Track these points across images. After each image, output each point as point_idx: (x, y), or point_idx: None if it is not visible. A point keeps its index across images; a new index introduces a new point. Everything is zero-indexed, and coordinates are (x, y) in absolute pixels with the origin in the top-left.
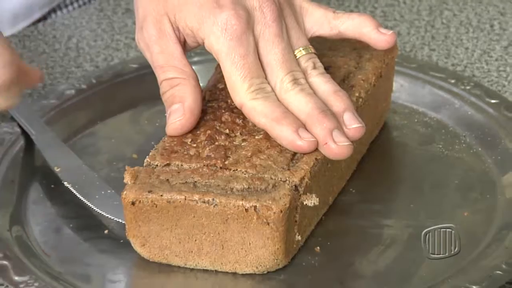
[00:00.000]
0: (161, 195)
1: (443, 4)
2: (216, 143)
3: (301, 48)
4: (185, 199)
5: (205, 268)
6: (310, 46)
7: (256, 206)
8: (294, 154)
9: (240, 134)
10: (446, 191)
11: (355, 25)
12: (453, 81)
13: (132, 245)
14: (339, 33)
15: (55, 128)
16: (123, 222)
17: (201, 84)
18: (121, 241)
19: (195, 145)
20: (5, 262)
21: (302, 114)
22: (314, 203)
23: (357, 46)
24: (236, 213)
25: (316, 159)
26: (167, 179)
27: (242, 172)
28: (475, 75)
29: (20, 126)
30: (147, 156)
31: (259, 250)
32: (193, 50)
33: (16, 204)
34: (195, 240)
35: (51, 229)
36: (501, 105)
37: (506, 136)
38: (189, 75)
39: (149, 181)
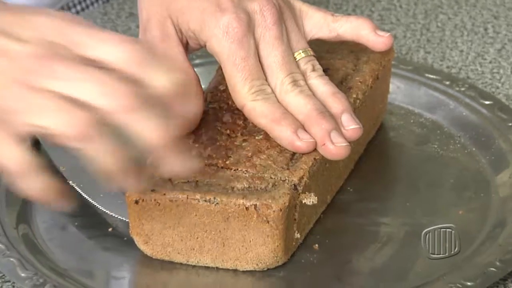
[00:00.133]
0: (164, 194)
1: (438, 8)
2: (217, 143)
3: (300, 51)
4: (187, 197)
5: (206, 265)
6: (309, 49)
7: (256, 204)
8: (294, 154)
9: (241, 134)
10: (441, 190)
11: (353, 28)
12: (448, 83)
13: (136, 242)
14: (338, 35)
15: None
16: (126, 220)
17: (202, 86)
18: (125, 238)
19: (197, 145)
20: (11, 259)
21: (301, 115)
22: (312, 201)
23: (354, 49)
24: (237, 212)
25: (314, 159)
26: (170, 178)
27: (243, 172)
28: (469, 77)
29: None
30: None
31: (259, 248)
32: (194, 52)
33: (22, 203)
34: (197, 238)
35: (56, 227)
36: (494, 106)
37: (499, 137)
38: (191, 77)
39: (152, 180)
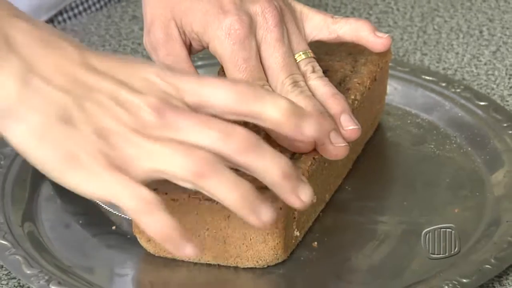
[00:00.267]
0: (166, 193)
1: (435, 11)
2: None
3: (301, 53)
4: (189, 197)
5: (208, 263)
6: (310, 51)
7: None
8: (293, 153)
9: None
10: (438, 189)
11: (353, 29)
12: (444, 84)
13: (139, 240)
14: (338, 37)
15: None
16: (130, 218)
17: None
18: (128, 236)
19: None
20: (17, 257)
21: None
22: (312, 200)
23: (352, 51)
24: None
25: (314, 158)
26: None
27: (243, 171)
28: (465, 79)
29: None
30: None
31: (260, 245)
32: (196, 54)
33: (28, 201)
34: (199, 236)
35: (61, 225)
36: (489, 107)
37: (494, 137)
38: None
39: (154, 180)
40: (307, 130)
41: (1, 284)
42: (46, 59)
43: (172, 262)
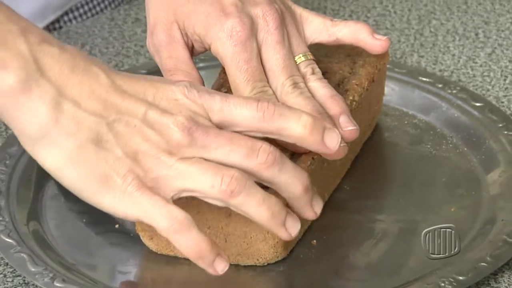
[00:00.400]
0: None
1: (431, 14)
2: None
3: (300, 55)
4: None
5: None
6: (309, 53)
7: None
8: (293, 153)
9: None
10: (434, 188)
11: (352, 32)
12: (440, 85)
13: (141, 238)
14: (337, 39)
15: None
16: None
17: None
18: (131, 235)
19: None
20: (22, 255)
21: None
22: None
23: (351, 53)
24: None
25: (313, 158)
26: None
27: None
28: (461, 80)
29: None
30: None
31: (260, 244)
32: (198, 56)
33: (33, 200)
34: None
35: (65, 223)
36: (485, 108)
37: (490, 137)
38: (195, 79)
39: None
40: (330, 143)
41: (7, 281)
42: (76, 84)
43: (173, 260)
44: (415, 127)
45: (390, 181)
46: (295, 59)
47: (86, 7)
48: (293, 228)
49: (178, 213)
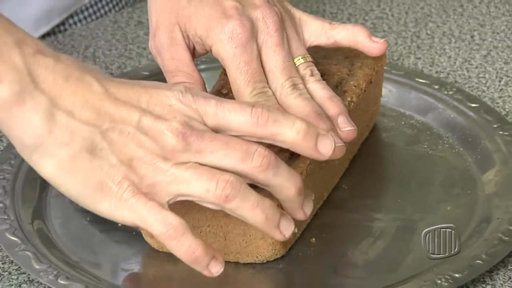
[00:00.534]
0: None
1: (428, 17)
2: None
3: (300, 57)
4: None
5: None
6: (308, 55)
7: None
8: (292, 153)
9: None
10: (431, 187)
11: (350, 35)
12: (437, 87)
13: (144, 236)
14: (335, 42)
15: None
16: None
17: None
18: (134, 233)
19: None
20: (27, 252)
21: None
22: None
23: (349, 55)
24: None
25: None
26: None
27: None
28: (457, 82)
29: None
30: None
31: (259, 241)
32: (199, 58)
33: (38, 199)
34: (200, 232)
35: (69, 222)
36: (481, 109)
37: (485, 137)
38: (197, 80)
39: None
40: (323, 149)
41: (11, 278)
42: (70, 93)
43: (175, 257)
44: (412, 128)
45: (388, 181)
46: (295, 61)
47: (90, 10)
48: (287, 230)
49: (173, 219)
